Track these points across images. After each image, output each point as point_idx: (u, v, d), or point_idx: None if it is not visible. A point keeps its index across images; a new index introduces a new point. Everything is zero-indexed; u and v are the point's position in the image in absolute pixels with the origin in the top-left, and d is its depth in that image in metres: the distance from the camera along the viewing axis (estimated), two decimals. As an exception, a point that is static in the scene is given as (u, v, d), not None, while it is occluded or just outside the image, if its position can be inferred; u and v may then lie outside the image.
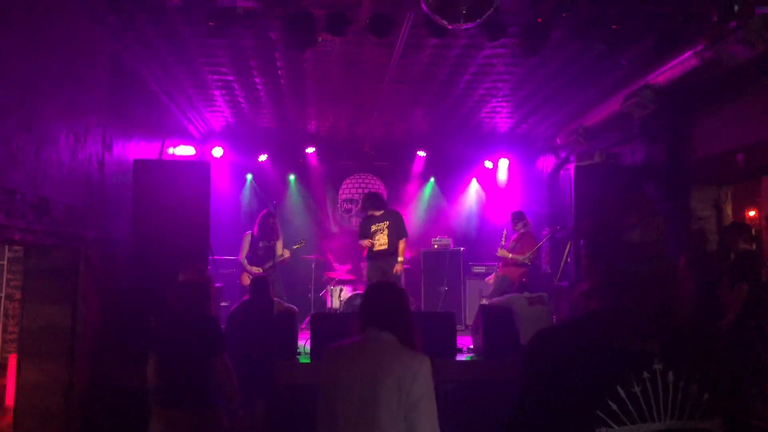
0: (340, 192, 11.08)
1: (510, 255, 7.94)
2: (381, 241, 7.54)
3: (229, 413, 3.81)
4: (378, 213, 7.64)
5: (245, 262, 7.69)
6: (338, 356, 2.58)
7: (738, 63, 4.57)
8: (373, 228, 7.61)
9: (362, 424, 2.39)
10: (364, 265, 9.62)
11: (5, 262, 6.40)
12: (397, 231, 7.56)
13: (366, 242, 7.65)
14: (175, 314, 3.79)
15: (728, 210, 6.76)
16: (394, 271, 7.49)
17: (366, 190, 10.88)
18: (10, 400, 5.51)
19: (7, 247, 6.13)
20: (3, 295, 6.35)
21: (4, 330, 6.34)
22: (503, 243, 8.14)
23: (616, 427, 1.39)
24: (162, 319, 3.87)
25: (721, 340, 1.56)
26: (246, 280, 7.62)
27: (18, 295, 6.16)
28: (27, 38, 4.10)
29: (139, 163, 6.13)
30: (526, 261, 7.86)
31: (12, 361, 5.61)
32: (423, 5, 3.74)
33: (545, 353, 1.51)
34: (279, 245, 7.72)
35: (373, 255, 7.61)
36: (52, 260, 4.82)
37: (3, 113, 3.83)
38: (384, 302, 2.63)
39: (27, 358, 4.64)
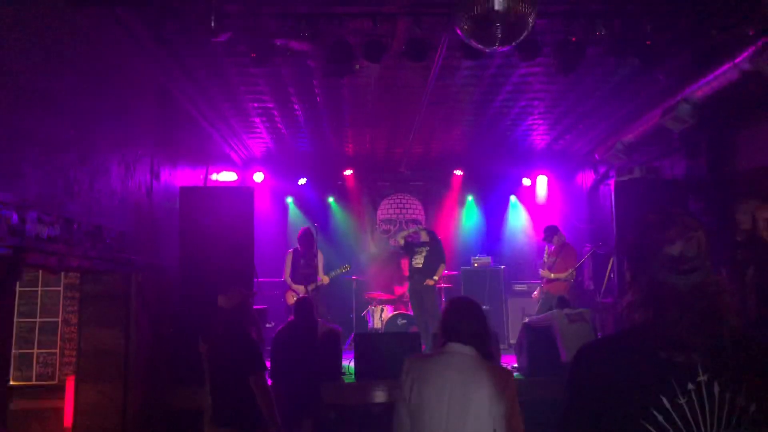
0: (378, 213, 11.17)
1: (552, 275, 7.90)
2: (418, 261, 8.18)
3: None
4: (425, 239, 8.36)
5: (289, 280, 7.84)
6: (423, 367, 2.61)
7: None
8: (417, 249, 8.30)
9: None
10: (406, 285, 9.73)
11: (61, 288, 6.65)
12: (436, 255, 8.17)
13: (400, 238, 8.64)
14: (218, 337, 3.95)
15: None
16: (425, 283, 8.00)
17: (404, 211, 11.02)
18: (68, 420, 5.71)
19: (63, 273, 6.38)
20: (60, 319, 6.60)
21: (62, 354, 6.57)
22: (546, 259, 8.12)
23: None
24: (209, 342, 4.02)
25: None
26: (290, 299, 7.76)
27: (74, 319, 6.40)
28: (82, 75, 4.33)
29: (185, 190, 6.34)
30: (569, 278, 7.81)
31: (69, 384, 5.81)
32: (458, 31, 3.83)
33: (591, 364, 1.54)
34: (320, 262, 7.88)
35: (412, 272, 8.23)
36: (106, 285, 5.01)
37: (61, 148, 4.05)
38: (466, 317, 2.66)
39: (84, 381, 4.83)
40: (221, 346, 3.93)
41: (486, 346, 2.62)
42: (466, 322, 2.63)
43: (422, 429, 2.50)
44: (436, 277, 8.05)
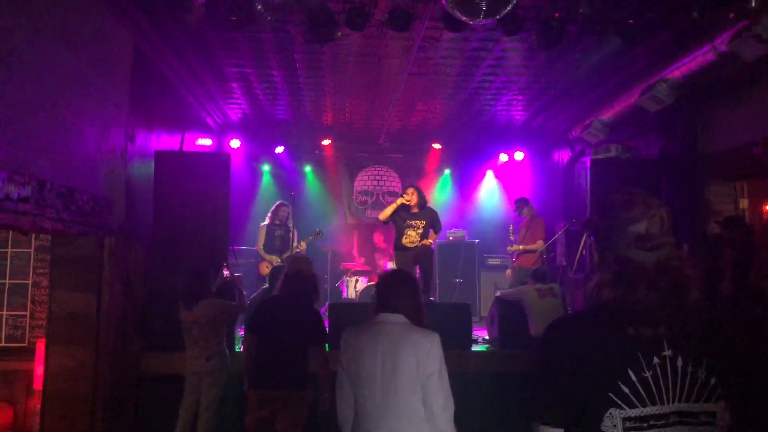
0: (356, 184, 11.15)
1: (522, 247, 7.98)
2: (412, 238, 7.19)
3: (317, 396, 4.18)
4: (416, 209, 7.28)
5: (263, 251, 7.83)
6: (358, 337, 2.80)
7: (754, 58, 4.58)
8: (408, 222, 7.23)
9: (385, 397, 2.62)
10: (379, 257, 9.76)
11: (32, 250, 6.55)
12: (433, 228, 7.31)
13: (399, 200, 7.30)
14: (282, 303, 4.22)
15: (744, 204, 6.75)
16: (422, 243, 7.15)
17: (381, 183, 11.00)
18: (38, 383, 5.67)
19: (33, 235, 6.28)
20: (30, 282, 6.52)
21: (32, 316, 6.51)
22: (512, 238, 8.18)
23: (627, 409, 1.47)
24: (269, 304, 4.29)
25: (728, 327, 1.61)
26: (264, 269, 7.76)
27: (44, 282, 6.31)
28: (55, 34, 4.21)
29: (160, 154, 6.25)
30: (539, 249, 7.90)
31: (39, 347, 5.76)
32: (443, 1, 3.80)
33: (561, 340, 1.59)
34: (294, 235, 7.88)
35: (402, 247, 7.23)
36: (78, 249, 4.94)
37: (34, 108, 3.95)
38: (396, 288, 2.86)
39: (55, 344, 4.78)
40: (284, 313, 4.18)
41: (416, 314, 2.81)
42: (398, 293, 2.83)
43: (361, 395, 2.69)
44: (431, 240, 7.26)
